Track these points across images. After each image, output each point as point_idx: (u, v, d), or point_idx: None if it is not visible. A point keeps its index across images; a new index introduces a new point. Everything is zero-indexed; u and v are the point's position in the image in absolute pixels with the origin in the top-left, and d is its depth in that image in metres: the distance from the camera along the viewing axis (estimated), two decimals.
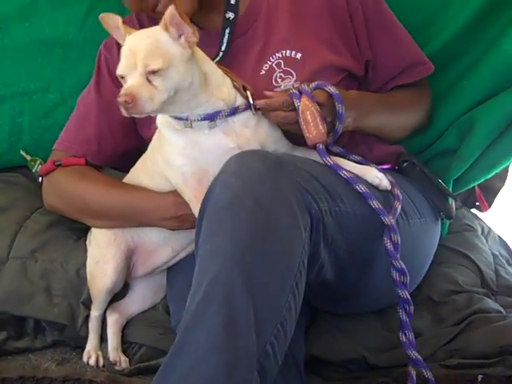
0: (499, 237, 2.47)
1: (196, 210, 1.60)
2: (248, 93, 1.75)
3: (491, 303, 2.02)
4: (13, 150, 2.46)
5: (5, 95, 2.40)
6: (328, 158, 1.68)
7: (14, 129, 2.44)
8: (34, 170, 2.17)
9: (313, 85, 1.72)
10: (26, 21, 2.34)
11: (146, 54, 1.58)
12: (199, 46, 1.83)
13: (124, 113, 1.58)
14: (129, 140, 2.07)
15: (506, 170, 2.43)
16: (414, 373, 1.68)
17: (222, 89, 1.72)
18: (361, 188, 1.66)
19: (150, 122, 1.86)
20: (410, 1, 2.05)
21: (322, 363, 1.89)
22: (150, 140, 1.96)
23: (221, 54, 1.88)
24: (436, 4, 2.17)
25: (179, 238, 1.94)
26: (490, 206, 2.47)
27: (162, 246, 1.97)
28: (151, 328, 2.01)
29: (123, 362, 1.97)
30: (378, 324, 1.96)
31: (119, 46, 1.95)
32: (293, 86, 1.82)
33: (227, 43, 1.89)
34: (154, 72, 1.56)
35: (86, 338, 2.03)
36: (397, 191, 1.76)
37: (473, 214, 2.46)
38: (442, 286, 2.06)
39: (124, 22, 1.99)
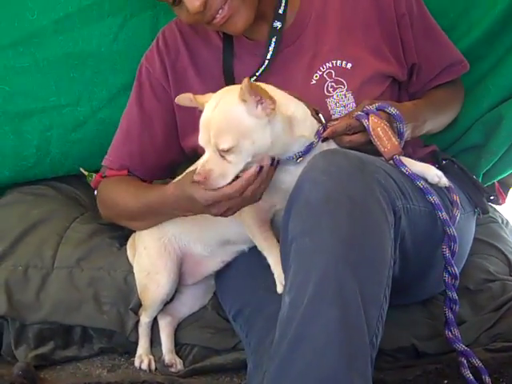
0: None
1: (251, 225, 1.78)
2: (321, 117, 1.79)
3: None
4: (40, 163, 2.46)
5: (35, 109, 2.39)
6: (407, 168, 1.74)
7: (42, 143, 2.44)
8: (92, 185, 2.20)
9: (375, 106, 1.78)
10: (60, 34, 2.33)
11: (217, 133, 1.60)
12: (245, 56, 1.91)
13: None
14: (171, 152, 2.11)
15: None
16: (465, 360, 1.78)
17: (306, 123, 1.74)
18: (424, 185, 1.73)
19: (193, 130, 1.85)
20: (433, 6, 2.13)
21: None
22: (192, 150, 2.01)
23: (266, 62, 1.93)
24: (459, 9, 2.29)
25: (227, 249, 1.98)
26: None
27: (209, 258, 2.01)
28: (202, 328, 2.07)
29: (178, 364, 2.01)
30: (423, 314, 2.06)
31: (161, 59, 2.03)
32: (355, 109, 1.86)
33: (273, 52, 1.93)
34: (224, 150, 1.60)
35: (134, 344, 2.07)
36: (456, 198, 1.82)
37: (492, 206, 2.57)
38: (477, 275, 2.17)
39: (164, 31, 2.05)
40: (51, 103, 2.42)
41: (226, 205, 1.67)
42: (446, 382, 1.82)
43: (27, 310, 2.07)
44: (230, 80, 1.97)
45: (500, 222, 2.50)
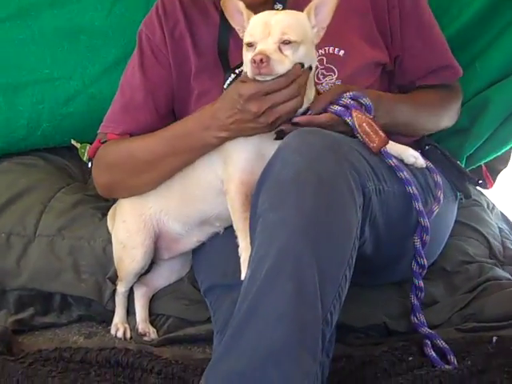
0: (501, 212, 2.60)
1: (235, 199, 1.75)
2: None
3: (501, 272, 2.14)
4: (31, 136, 2.51)
5: (28, 81, 2.44)
6: (394, 160, 1.74)
7: (34, 115, 2.48)
8: (84, 159, 2.12)
9: (348, 95, 1.74)
10: (55, 8, 2.39)
11: (286, 25, 1.64)
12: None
13: (253, 72, 1.60)
14: (173, 118, 2.07)
15: (508, 153, 2.53)
16: (428, 342, 1.81)
17: (312, 87, 1.76)
18: (405, 176, 1.74)
19: (187, 98, 1.97)
20: None
21: (344, 330, 1.97)
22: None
23: None
24: None
25: (204, 229, 2.00)
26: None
27: (186, 237, 2.03)
28: (177, 300, 2.10)
29: (152, 333, 2.04)
30: (396, 293, 2.06)
31: (160, 25, 2.01)
32: (327, 92, 1.81)
33: None
34: (287, 42, 1.62)
35: (112, 313, 2.10)
36: (439, 194, 1.84)
37: (478, 190, 2.56)
38: (455, 257, 2.17)
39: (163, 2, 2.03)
40: (44, 76, 2.47)
41: (268, 103, 1.65)
42: (410, 358, 1.81)
43: (7, 276, 2.13)
44: (224, 58, 1.95)
45: (485, 206, 2.49)
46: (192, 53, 2.01)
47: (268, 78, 1.62)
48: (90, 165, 2.09)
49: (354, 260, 1.57)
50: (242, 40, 1.78)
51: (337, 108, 1.73)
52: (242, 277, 1.66)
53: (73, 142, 2.27)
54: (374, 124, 1.72)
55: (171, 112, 2.08)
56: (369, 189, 1.63)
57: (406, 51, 2.01)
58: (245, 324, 1.44)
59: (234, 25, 1.76)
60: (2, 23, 2.43)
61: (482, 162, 2.32)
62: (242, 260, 1.72)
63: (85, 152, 2.09)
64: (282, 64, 1.61)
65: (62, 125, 2.50)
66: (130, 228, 2.01)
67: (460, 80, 2.26)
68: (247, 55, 1.66)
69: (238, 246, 1.76)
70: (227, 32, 1.94)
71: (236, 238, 1.77)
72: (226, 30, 1.93)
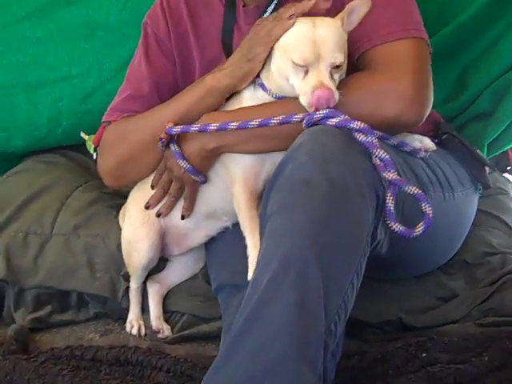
0: None
1: (240, 198, 1.71)
2: None
3: None
4: (52, 133, 2.53)
5: (48, 80, 2.46)
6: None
7: (54, 114, 2.50)
8: (91, 151, 2.09)
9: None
10: (72, 5, 2.41)
11: (333, 44, 1.56)
12: (245, 26, 1.86)
13: (315, 106, 1.54)
14: None
15: None
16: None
17: None
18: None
19: None
20: None
21: (359, 326, 1.92)
22: None
23: None
24: None
25: (211, 223, 1.96)
26: None
27: (194, 231, 1.99)
28: (192, 297, 2.08)
29: (166, 330, 2.03)
30: (414, 286, 2.00)
31: (165, 20, 1.98)
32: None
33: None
34: (337, 66, 1.56)
35: (127, 310, 2.09)
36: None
37: (505, 178, 2.47)
38: (477, 248, 2.09)
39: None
40: (63, 73, 2.49)
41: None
42: (424, 355, 1.76)
43: (25, 275, 2.13)
44: (227, 49, 1.91)
45: (511, 193, 2.39)
46: (195, 48, 1.98)
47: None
48: (94, 156, 2.06)
49: (363, 267, 1.51)
50: (246, 30, 1.77)
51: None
52: (249, 277, 1.62)
53: (82, 134, 2.24)
54: None
55: None
56: (382, 191, 1.55)
57: None
58: (245, 333, 1.40)
59: None
60: (20, 23, 2.46)
61: (506, 148, 2.23)
62: (249, 260, 1.68)
63: (92, 138, 2.07)
64: (337, 95, 1.55)
65: (82, 122, 2.50)
66: (134, 222, 2.00)
67: (484, 63, 2.19)
68: (296, 73, 1.58)
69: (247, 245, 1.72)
70: (232, 23, 1.91)
71: (244, 238, 1.73)
72: (231, 21, 1.90)
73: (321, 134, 1.54)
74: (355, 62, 1.74)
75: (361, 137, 1.52)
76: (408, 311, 1.94)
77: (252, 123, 1.63)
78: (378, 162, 1.53)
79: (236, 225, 1.84)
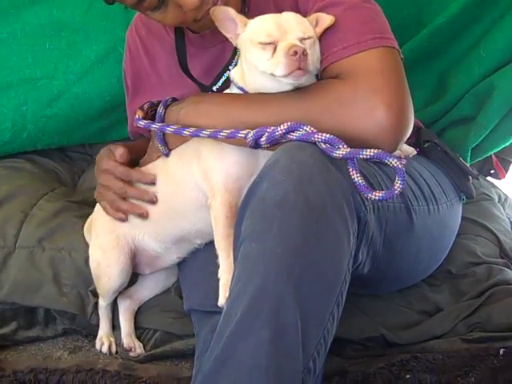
0: None
1: (219, 212, 1.61)
2: None
3: (511, 274, 1.96)
4: (17, 138, 2.41)
5: (12, 82, 2.35)
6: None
7: (18, 117, 2.38)
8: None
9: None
10: (36, 4, 2.31)
11: (299, 22, 1.53)
12: (196, 50, 1.83)
13: (291, 67, 1.44)
14: None
15: None
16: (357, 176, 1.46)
17: None
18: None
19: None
20: None
21: (340, 342, 1.84)
22: None
23: None
24: None
25: (183, 246, 1.87)
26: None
27: (164, 255, 1.90)
28: (164, 312, 1.98)
29: (138, 348, 1.94)
30: (396, 299, 1.92)
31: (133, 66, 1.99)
32: None
33: None
34: (307, 38, 1.50)
35: (97, 326, 2.00)
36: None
37: (489, 182, 2.40)
38: (461, 258, 2.01)
39: (128, 39, 2.02)
40: (27, 75, 2.38)
41: None
42: (408, 376, 1.68)
43: None
44: (190, 74, 1.82)
45: (496, 199, 2.32)
46: (158, 86, 1.94)
47: (303, 80, 1.49)
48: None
49: (344, 296, 1.42)
50: (199, 48, 1.79)
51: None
52: (219, 303, 1.53)
53: None
54: None
55: None
56: (364, 212, 1.46)
57: None
58: (216, 372, 1.30)
59: (225, 33, 1.60)
60: None
61: (489, 154, 2.15)
62: (220, 283, 1.57)
63: None
64: (312, 62, 1.49)
65: (48, 127, 2.40)
66: (103, 245, 1.89)
67: (465, 65, 2.12)
68: (264, 54, 1.49)
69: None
70: (184, 50, 1.83)
71: (217, 257, 1.62)
72: (183, 48, 1.83)
73: (297, 151, 1.43)
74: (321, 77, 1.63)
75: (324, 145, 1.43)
76: (390, 327, 1.86)
77: (204, 132, 1.56)
78: (322, 146, 1.42)
79: (209, 243, 1.73)
